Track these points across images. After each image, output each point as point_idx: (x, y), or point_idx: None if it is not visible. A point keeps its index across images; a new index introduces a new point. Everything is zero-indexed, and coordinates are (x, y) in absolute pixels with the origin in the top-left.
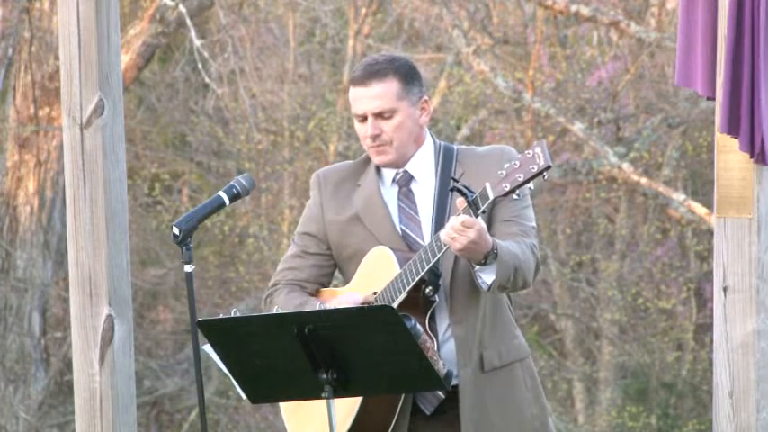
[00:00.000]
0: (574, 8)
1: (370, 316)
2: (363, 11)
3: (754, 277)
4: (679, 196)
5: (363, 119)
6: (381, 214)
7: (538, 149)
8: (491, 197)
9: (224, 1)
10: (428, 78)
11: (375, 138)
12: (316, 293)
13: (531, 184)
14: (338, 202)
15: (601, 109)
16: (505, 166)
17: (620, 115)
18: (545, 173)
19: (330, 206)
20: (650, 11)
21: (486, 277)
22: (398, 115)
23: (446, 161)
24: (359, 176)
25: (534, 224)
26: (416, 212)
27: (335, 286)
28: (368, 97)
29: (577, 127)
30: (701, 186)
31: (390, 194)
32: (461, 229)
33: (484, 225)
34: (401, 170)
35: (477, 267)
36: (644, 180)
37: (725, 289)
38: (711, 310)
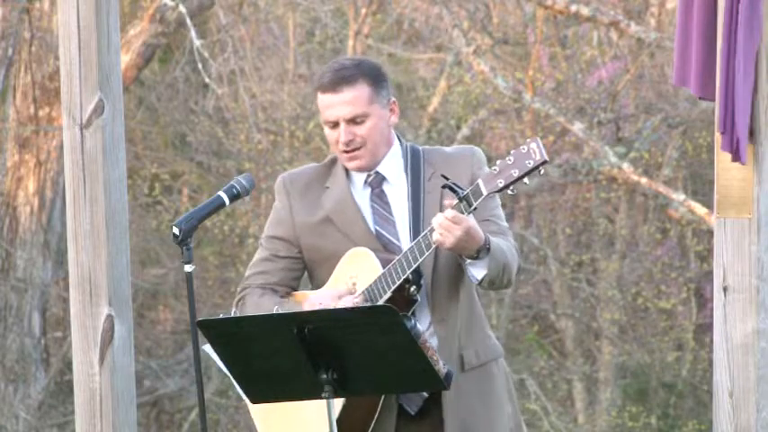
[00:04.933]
0: (574, 8)
1: (370, 316)
2: (363, 11)
3: (754, 277)
4: (679, 196)
5: (335, 125)
6: (354, 215)
7: (533, 145)
8: (484, 193)
9: (224, 1)
10: (428, 78)
11: (348, 143)
12: (287, 297)
13: (526, 180)
14: (307, 205)
15: (601, 109)
16: (498, 162)
17: (620, 115)
18: (541, 168)
19: (299, 209)
20: (650, 11)
21: (477, 272)
22: (370, 119)
23: (414, 162)
24: (326, 179)
25: (507, 224)
26: (390, 213)
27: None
28: (339, 103)
29: (577, 127)
30: (700, 186)
31: (362, 196)
32: (450, 225)
33: (474, 221)
34: (372, 172)
35: (469, 261)
36: (644, 180)
37: (725, 289)
38: (711, 310)
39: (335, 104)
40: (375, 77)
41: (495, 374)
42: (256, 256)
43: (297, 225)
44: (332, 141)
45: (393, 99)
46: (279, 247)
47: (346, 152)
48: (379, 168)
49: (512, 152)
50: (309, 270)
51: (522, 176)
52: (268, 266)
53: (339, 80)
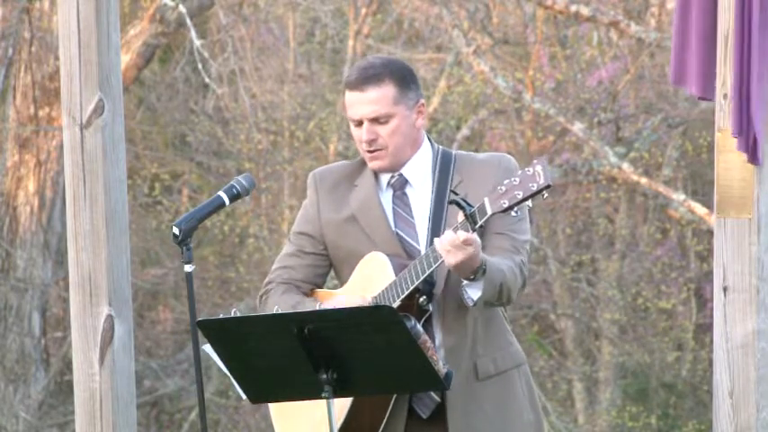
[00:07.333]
0: (574, 8)
1: (370, 316)
2: (363, 11)
3: (754, 277)
4: (679, 196)
5: (359, 123)
6: (378, 216)
7: (539, 167)
8: (489, 213)
9: (224, 1)
10: (428, 78)
11: (371, 143)
12: (310, 294)
13: (529, 202)
14: (335, 202)
15: (601, 109)
16: (505, 182)
17: (620, 115)
18: (544, 192)
19: (326, 206)
20: (650, 11)
21: (473, 293)
22: (394, 120)
23: (444, 167)
24: (355, 177)
25: (527, 237)
26: (411, 216)
27: (335, 287)
28: (364, 102)
29: (577, 127)
30: (701, 186)
31: (386, 197)
32: (462, 246)
33: (480, 242)
34: (396, 173)
35: (465, 282)
36: (644, 180)
37: (725, 289)
38: (711, 310)
39: (360, 103)
40: (402, 78)
41: (516, 382)
42: (283, 251)
43: (322, 222)
44: (356, 139)
45: (422, 101)
46: (305, 243)
47: (369, 152)
48: (404, 171)
49: (519, 172)
50: (334, 267)
51: (525, 199)
52: (293, 262)
53: (365, 79)
